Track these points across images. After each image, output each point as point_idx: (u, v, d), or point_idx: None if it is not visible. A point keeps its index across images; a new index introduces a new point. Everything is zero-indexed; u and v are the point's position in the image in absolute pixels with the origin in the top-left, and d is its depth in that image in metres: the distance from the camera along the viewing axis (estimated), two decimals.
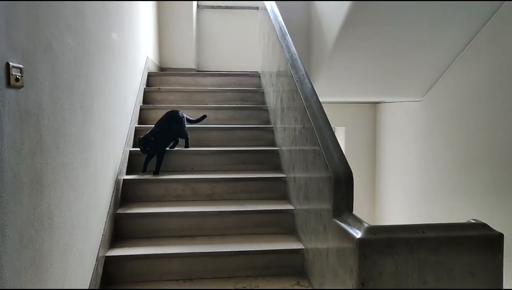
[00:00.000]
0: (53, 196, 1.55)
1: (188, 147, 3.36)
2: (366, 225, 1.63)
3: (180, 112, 3.31)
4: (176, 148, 3.30)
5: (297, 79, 2.68)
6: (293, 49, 3.05)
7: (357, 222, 1.71)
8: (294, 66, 2.83)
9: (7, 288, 1.20)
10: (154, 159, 3.12)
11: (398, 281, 1.57)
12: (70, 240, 1.75)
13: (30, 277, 1.36)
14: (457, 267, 1.59)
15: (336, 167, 1.95)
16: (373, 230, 1.59)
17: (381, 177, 5.88)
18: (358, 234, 1.59)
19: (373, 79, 4.33)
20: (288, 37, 3.23)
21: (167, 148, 3.22)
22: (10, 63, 1.19)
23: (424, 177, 4.60)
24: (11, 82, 1.18)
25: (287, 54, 3.01)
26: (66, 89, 1.69)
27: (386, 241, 1.57)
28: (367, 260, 1.56)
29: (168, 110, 3.33)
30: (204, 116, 3.57)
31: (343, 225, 1.75)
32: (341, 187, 1.89)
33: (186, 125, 3.37)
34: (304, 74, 2.69)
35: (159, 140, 3.07)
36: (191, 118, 3.49)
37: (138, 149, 3.04)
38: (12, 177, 1.23)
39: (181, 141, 3.39)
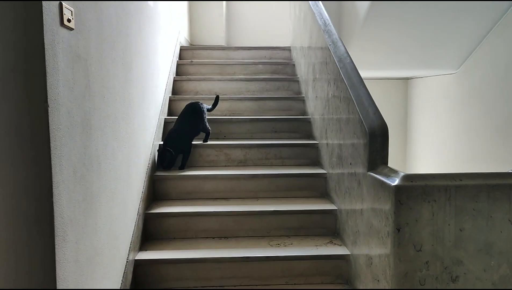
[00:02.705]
0: (99, 142, 1.64)
1: (207, 142, 3.11)
2: (402, 173, 1.64)
3: (200, 104, 3.07)
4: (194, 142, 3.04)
5: (330, 43, 2.67)
6: (326, 15, 3.03)
7: (393, 172, 1.71)
8: (327, 31, 2.82)
9: (64, 215, 1.29)
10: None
11: (435, 228, 1.58)
12: (114, 188, 1.84)
13: (83, 211, 1.45)
14: (496, 215, 1.58)
15: (370, 121, 1.95)
16: (409, 178, 1.60)
17: (412, 154, 5.78)
18: (394, 181, 1.60)
19: (406, 50, 4.25)
20: (320, 3, 3.21)
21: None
22: (62, 3, 1.25)
23: (458, 152, 4.50)
24: (64, 21, 1.25)
25: (319, 21, 3.00)
26: (109, 43, 1.76)
27: (423, 187, 1.57)
28: (403, 206, 1.57)
29: (188, 103, 3.09)
30: (217, 97, 3.30)
31: (378, 176, 1.76)
32: (376, 140, 1.89)
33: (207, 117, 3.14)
34: (337, 38, 2.68)
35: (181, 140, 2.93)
36: (208, 107, 3.20)
37: (172, 117, 3.11)
38: (66, 112, 1.31)
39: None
